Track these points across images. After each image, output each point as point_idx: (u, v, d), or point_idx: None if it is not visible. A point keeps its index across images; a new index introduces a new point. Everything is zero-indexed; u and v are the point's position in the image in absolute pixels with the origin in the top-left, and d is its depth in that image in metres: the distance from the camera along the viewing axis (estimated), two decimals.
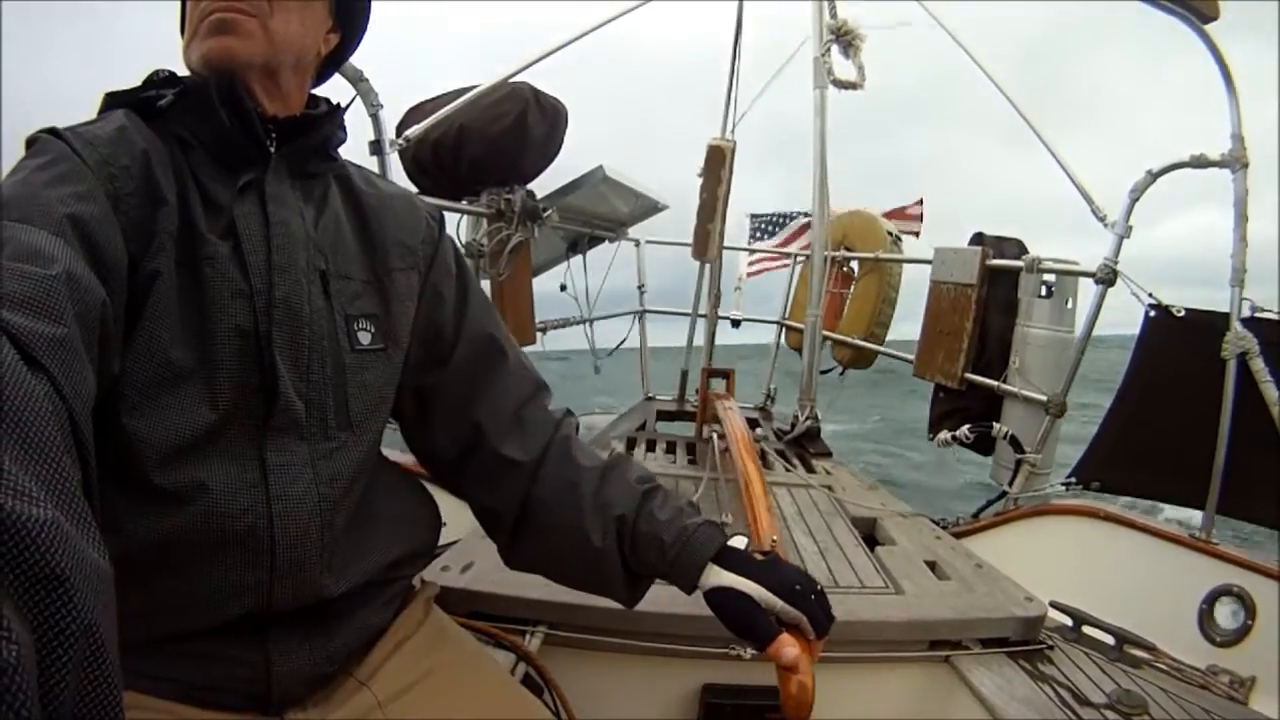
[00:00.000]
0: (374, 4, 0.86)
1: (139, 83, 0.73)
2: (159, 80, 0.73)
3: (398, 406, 0.85)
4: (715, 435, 2.16)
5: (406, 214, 0.85)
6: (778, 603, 0.75)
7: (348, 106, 0.82)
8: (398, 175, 2.06)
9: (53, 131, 0.64)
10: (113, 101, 0.72)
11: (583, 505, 0.82)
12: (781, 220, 5.60)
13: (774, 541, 1.04)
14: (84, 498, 0.31)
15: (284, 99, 0.75)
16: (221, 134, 0.70)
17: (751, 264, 5.23)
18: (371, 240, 0.81)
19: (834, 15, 2.63)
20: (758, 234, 5.68)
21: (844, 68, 2.61)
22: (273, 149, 0.73)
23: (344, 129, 0.82)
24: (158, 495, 0.61)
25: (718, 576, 0.77)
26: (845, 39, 2.59)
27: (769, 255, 5.20)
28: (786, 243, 5.40)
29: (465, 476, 0.88)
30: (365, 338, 0.76)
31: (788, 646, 0.73)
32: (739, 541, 0.81)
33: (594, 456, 0.88)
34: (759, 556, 0.80)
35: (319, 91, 0.85)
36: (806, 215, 5.05)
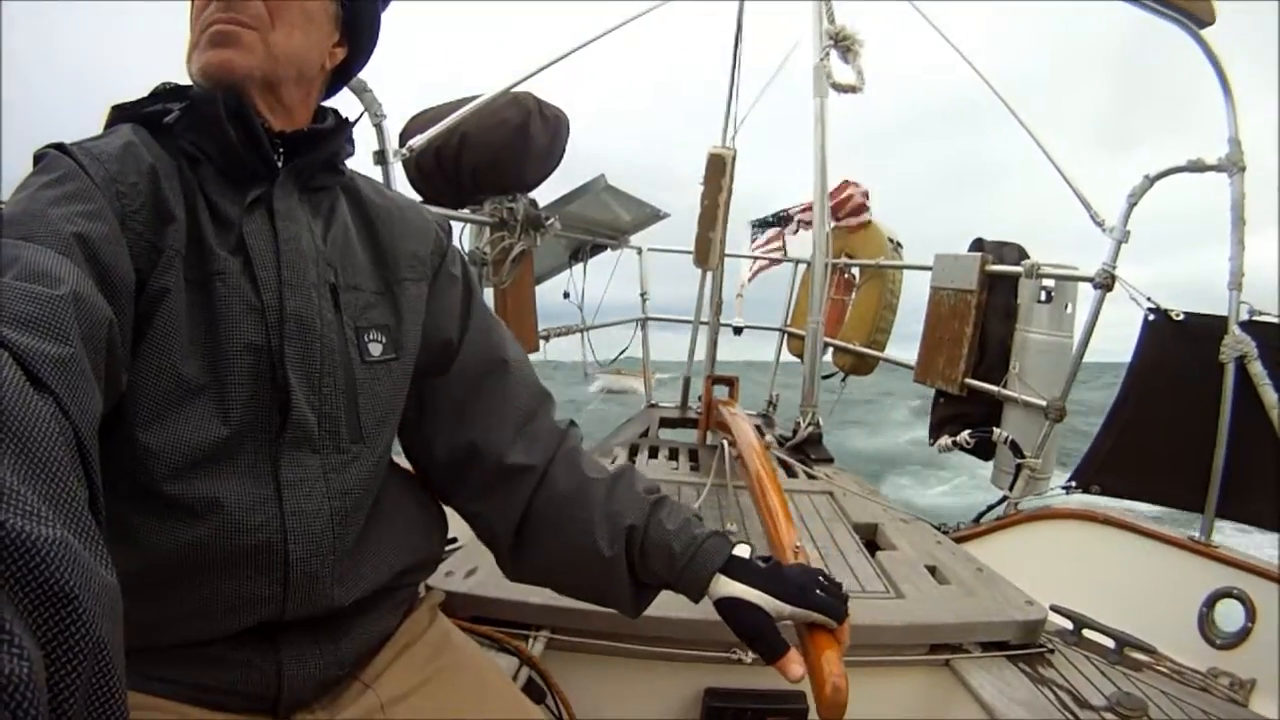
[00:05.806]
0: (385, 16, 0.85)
1: (145, 95, 0.73)
2: (165, 93, 0.72)
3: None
4: (726, 443, 2.15)
5: (417, 224, 0.85)
6: (786, 608, 0.76)
7: (356, 121, 0.82)
8: (401, 184, 2.08)
9: (60, 147, 0.63)
10: (119, 115, 0.71)
11: (592, 515, 0.82)
12: (780, 218, 5.56)
13: (797, 549, 1.00)
14: (91, 516, 0.32)
15: (288, 113, 0.75)
16: (228, 149, 0.69)
17: (751, 269, 5.22)
18: (382, 251, 0.81)
19: (832, 20, 2.65)
20: (759, 237, 5.66)
21: (843, 72, 2.63)
22: (279, 163, 0.73)
23: (352, 142, 0.82)
24: (172, 510, 0.61)
25: (725, 586, 0.78)
26: (844, 44, 2.61)
27: (763, 258, 5.18)
28: (775, 239, 5.35)
29: (464, 485, 0.87)
30: (376, 349, 0.76)
31: (794, 664, 0.74)
32: (743, 550, 0.82)
33: (600, 468, 0.88)
34: (761, 564, 0.81)
35: (329, 103, 0.83)
36: (798, 208, 5.03)
